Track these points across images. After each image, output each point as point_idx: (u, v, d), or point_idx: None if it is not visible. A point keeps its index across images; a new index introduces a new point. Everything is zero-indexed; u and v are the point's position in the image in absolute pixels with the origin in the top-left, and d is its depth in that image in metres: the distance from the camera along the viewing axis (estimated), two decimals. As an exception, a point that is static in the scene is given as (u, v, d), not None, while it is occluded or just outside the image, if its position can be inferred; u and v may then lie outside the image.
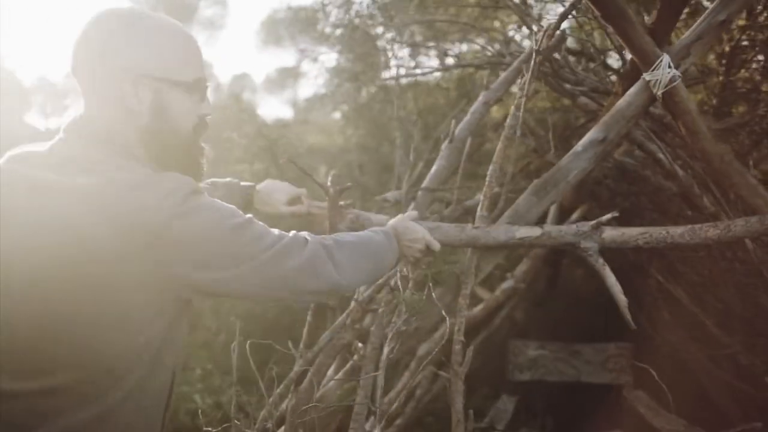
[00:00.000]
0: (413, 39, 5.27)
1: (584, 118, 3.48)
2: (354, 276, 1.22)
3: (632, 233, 1.83)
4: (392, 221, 1.56)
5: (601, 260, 1.84)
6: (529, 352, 3.69)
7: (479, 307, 3.46)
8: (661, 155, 2.62)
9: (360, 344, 2.04)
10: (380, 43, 6.14)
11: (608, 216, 1.84)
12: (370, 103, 6.97)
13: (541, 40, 1.99)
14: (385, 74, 6.92)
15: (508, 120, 2.00)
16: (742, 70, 3.19)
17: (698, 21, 1.98)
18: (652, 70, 1.93)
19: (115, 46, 1.01)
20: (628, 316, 1.81)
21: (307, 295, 1.15)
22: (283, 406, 2.10)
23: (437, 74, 4.98)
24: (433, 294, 1.88)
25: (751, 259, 2.48)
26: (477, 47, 3.90)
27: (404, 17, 4.84)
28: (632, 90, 2.02)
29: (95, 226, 0.91)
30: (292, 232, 1.15)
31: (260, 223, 1.09)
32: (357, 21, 6.26)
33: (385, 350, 1.86)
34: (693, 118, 1.95)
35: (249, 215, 1.07)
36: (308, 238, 1.16)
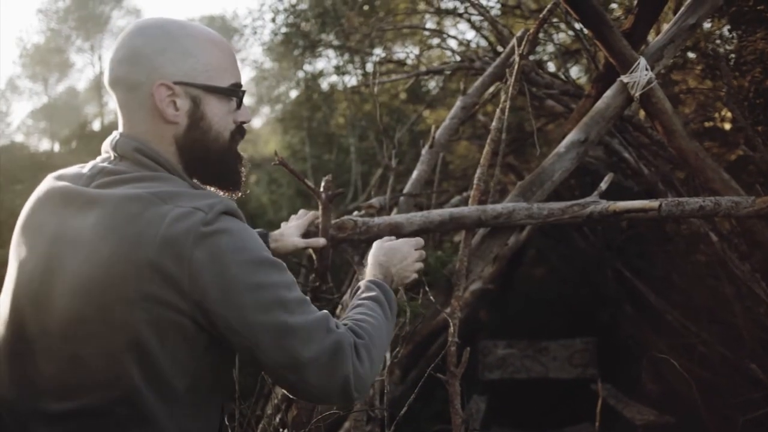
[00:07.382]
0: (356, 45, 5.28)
1: (543, 120, 3.58)
2: (371, 378, 1.03)
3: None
4: (375, 258, 1.31)
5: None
6: (498, 351, 3.75)
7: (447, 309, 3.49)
8: (627, 154, 2.72)
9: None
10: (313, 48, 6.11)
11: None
12: (301, 108, 6.89)
13: (525, 44, 2.04)
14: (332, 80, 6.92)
15: (494, 123, 2.04)
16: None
17: (669, 24, 2.07)
18: (630, 73, 2.01)
19: (152, 54, 0.98)
20: None
21: (310, 389, 0.95)
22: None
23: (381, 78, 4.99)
24: (431, 297, 1.90)
25: (715, 251, 2.60)
26: (435, 53, 3.94)
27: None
28: (610, 92, 2.09)
29: (119, 240, 0.87)
30: (324, 312, 0.99)
31: (292, 277, 0.97)
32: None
33: (388, 355, 1.86)
34: (669, 117, 2.04)
35: (282, 263, 0.95)
36: (337, 327, 0.98)
